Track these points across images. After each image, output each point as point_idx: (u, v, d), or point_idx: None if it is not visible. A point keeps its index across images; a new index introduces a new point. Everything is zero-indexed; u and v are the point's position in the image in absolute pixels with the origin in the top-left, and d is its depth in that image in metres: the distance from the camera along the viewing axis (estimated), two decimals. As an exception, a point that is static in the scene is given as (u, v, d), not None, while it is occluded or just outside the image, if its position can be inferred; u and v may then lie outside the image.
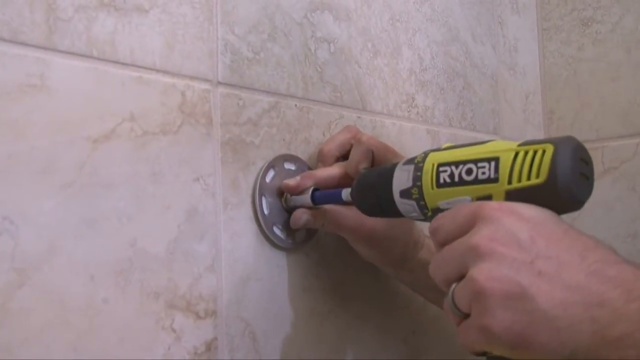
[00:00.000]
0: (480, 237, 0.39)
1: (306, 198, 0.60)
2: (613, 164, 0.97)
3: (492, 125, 0.93)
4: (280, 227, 0.61)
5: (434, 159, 0.47)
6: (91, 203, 0.48)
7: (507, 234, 0.39)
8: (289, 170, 0.63)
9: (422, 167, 0.48)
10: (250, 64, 0.60)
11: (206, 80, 0.57)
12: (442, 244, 0.43)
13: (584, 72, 1.01)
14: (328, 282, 0.66)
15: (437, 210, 0.47)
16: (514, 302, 0.37)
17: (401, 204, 0.50)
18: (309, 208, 0.61)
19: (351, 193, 0.56)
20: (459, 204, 0.44)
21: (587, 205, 0.96)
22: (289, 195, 0.62)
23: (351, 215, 0.61)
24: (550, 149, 0.41)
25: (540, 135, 1.04)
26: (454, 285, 0.41)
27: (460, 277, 0.40)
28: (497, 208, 0.40)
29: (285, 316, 0.61)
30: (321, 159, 0.64)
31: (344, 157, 0.64)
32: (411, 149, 0.77)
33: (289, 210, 0.62)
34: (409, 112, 0.78)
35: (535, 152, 0.41)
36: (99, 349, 0.47)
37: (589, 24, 1.00)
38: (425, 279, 0.53)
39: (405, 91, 0.78)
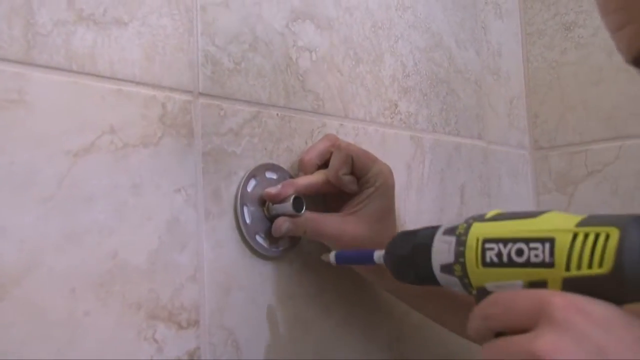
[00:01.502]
0: (544, 343, 0.36)
1: (287, 206, 0.61)
2: (596, 167, 0.97)
3: (477, 130, 0.94)
4: (262, 235, 0.62)
5: (478, 232, 0.43)
6: (71, 216, 0.48)
7: (574, 342, 0.36)
8: (271, 179, 0.64)
9: (465, 241, 0.44)
10: (231, 74, 0.61)
11: (187, 92, 0.57)
12: (494, 333, 0.40)
13: (567, 76, 1.02)
14: (311, 289, 0.66)
15: (483, 290, 0.43)
16: None
17: (442, 278, 0.46)
18: (291, 216, 0.61)
19: (386, 263, 0.53)
20: (511, 290, 0.41)
21: (572, 207, 0.97)
22: (271, 204, 0.62)
23: (332, 222, 0.61)
24: (615, 234, 0.37)
25: (525, 139, 1.05)
26: None
27: None
28: (564, 307, 0.37)
29: (268, 324, 0.62)
30: (302, 167, 0.64)
31: (325, 165, 0.64)
32: (395, 156, 0.78)
33: (271, 219, 0.62)
34: (392, 118, 0.79)
35: (597, 236, 0.37)
36: (80, 362, 0.47)
37: (572, 28, 1.01)
38: (408, 287, 0.54)
39: (388, 98, 0.79)
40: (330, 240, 0.62)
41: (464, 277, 0.44)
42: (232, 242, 0.60)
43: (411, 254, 0.49)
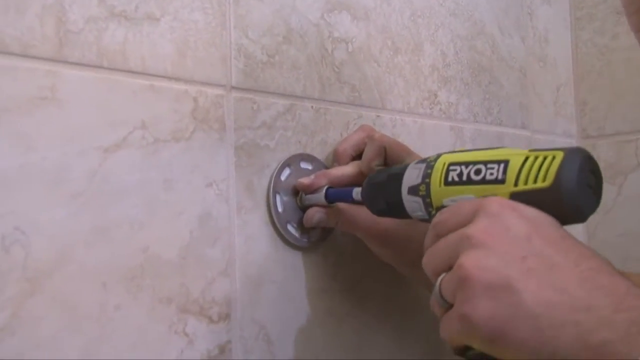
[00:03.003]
0: (476, 228, 0.40)
1: (320, 197, 0.60)
2: (647, 157, 0.94)
3: (520, 119, 0.92)
4: (294, 225, 0.62)
5: (446, 158, 0.48)
6: (102, 211, 0.49)
7: (504, 228, 0.39)
8: (305, 169, 0.63)
9: (434, 165, 0.48)
10: (264, 67, 0.61)
11: (219, 86, 0.57)
12: (441, 237, 0.43)
13: (618, 62, 0.98)
14: (345, 283, 0.66)
15: (442, 209, 0.46)
16: (498, 293, 0.37)
17: (408, 200, 0.50)
18: (323, 207, 0.61)
19: (361, 192, 0.56)
20: (462, 201, 0.44)
21: (621, 198, 0.95)
22: (303, 194, 0.62)
23: (365, 214, 0.61)
24: (560, 155, 0.41)
25: (572, 128, 1.02)
26: (442, 275, 0.41)
27: (450, 268, 0.40)
28: (499, 203, 0.40)
29: (301, 318, 0.62)
30: (336, 158, 0.64)
31: (360, 156, 0.64)
32: (434, 147, 0.76)
33: (304, 209, 0.62)
34: (431, 109, 0.78)
35: (545, 158, 0.41)
36: (110, 355, 0.48)
37: (624, 12, 0.97)
38: None
39: (427, 88, 0.77)
40: (362, 232, 0.62)
41: (426, 196, 0.48)
42: (264, 235, 0.60)
43: (385, 180, 0.52)
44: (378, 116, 0.71)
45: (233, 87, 0.58)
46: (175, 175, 0.53)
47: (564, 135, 1.00)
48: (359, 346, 0.67)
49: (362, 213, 0.61)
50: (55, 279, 0.46)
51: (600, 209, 0.42)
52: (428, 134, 0.77)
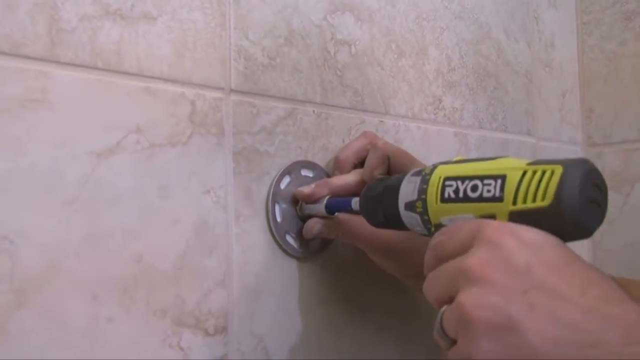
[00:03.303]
0: (474, 260, 0.37)
1: (321, 207, 0.58)
2: (655, 166, 0.92)
3: (526, 125, 0.90)
4: (293, 235, 0.60)
5: (441, 172, 0.45)
6: (95, 219, 0.46)
7: (503, 259, 0.37)
8: (306, 177, 0.61)
9: (429, 179, 0.45)
10: (265, 70, 0.58)
11: (218, 89, 0.55)
12: (439, 262, 0.41)
13: (625, 68, 0.96)
14: (345, 293, 0.64)
15: (440, 227, 0.44)
16: (500, 333, 0.35)
17: (406, 216, 0.48)
18: (323, 217, 0.59)
19: (359, 203, 0.54)
20: (460, 221, 0.42)
21: (627, 207, 0.93)
22: (303, 204, 0.60)
23: (366, 225, 0.58)
24: (559, 170, 0.38)
25: (578, 135, 1.00)
26: (443, 308, 0.39)
27: (450, 300, 0.38)
28: (497, 229, 0.38)
29: (300, 330, 0.60)
30: (338, 166, 0.62)
31: (362, 164, 0.62)
32: (438, 153, 0.74)
33: (304, 219, 0.60)
34: (435, 114, 0.75)
35: (543, 173, 0.39)
36: (101, 370, 0.46)
37: (632, 17, 0.95)
38: None
39: (431, 93, 0.75)
40: (364, 244, 0.60)
41: (424, 213, 0.45)
42: (263, 245, 0.57)
43: (381, 193, 0.50)
44: (381, 121, 0.69)
45: (232, 90, 0.56)
46: (171, 181, 0.51)
47: (569, 142, 0.98)
48: (359, 357, 0.64)
49: (364, 224, 0.58)
50: (44, 290, 0.44)
51: (605, 219, 0.40)
52: (432, 140, 0.75)
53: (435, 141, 0.75)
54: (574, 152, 0.99)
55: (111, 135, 0.48)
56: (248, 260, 0.56)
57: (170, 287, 0.50)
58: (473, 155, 0.79)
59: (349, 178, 0.60)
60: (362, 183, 0.60)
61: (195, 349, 0.51)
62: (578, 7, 1.01)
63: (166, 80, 0.51)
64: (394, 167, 0.59)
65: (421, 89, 0.74)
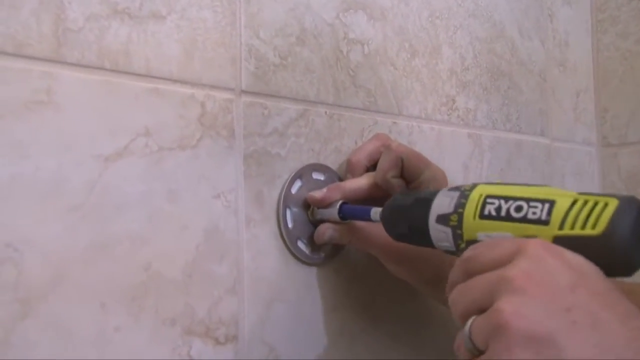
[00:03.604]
0: (517, 270, 0.36)
1: (333, 211, 0.57)
2: (671, 167, 0.90)
3: (540, 126, 0.88)
4: (305, 241, 0.58)
5: (483, 190, 0.44)
6: (102, 226, 0.45)
7: (547, 275, 0.35)
8: (317, 180, 0.60)
9: (469, 195, 0.44)
10: (276, 70, 0.57)
11: (228, 89, 0.53)
12: (469, 276, 0.39)
13: (641, 67, 0.94)
14: (359, 300, 0.62)
15: (473, 243, 0.43)
16: (538, 346, 0.33)
17: (434, 229, 0.46)
18: (336, 222, 0.57)
19: (381, 213, 0.52)
20: (498, 238, 0.41)
21: None
22: (315, 208, 0.58)
23: (380, 232, 0.57)
24: (614, 203, 0.37)
25: (592, 136, 0.98)
26: (473, 318, 0.37)
27: (481, 311, 0.37)
28: (543, 246, 0.37)
29: (313, 338, 0.58)
30: (350, 169, 0.60)
31: (374, 166, 0.60)
32: (451, 155, 0.72)
33: (316, 224, 0.58)
34: (449, 115, 0.74)
35: (596, 203, 0.38)
36: (109, 382, 0.44)
37: (648, 15, 0.93)
38: None
39: (445, 93, 0.73)
40: (378, 251, 0.58)
41: (457, 227, 0.44)
42: (274, 250, 0.56)
43: (411, 204, 0.49)
44: (394, 123, 0.67)
45: (243, 91, 0.54)
46: (180, 185, 0.49)
47: (583, 143, 0.96)
48: (373, 367, 0.63)
49: (377, 230, 0.57)
50: (50, 299, 0.42)
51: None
52: (445, 141, 0.73)
53: (448, 142, 0.73)
54: (589, 152, 0.97)
55: (119, 138, 0.46)
56: (259, 266, 0.54)
57: (179, 294, 0.49)
58: (487, 157, 0.78)
59: (362, 182, 0.58)
60: (374, 186, 0.58)
61: (205, 359, 0.50)
62: (593, 5, 0.99)
63: (175, 81, 0.50)
64: (407, 169, 0.58)
65: (434, 89, 0.72)
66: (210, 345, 0.50)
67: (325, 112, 0.61)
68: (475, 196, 0.43)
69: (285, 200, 0.57)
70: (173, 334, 0.48)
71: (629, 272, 0.38)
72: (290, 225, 0.57)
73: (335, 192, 0.57)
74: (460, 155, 0.74)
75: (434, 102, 0.72)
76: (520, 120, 0.84)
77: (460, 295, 0.39)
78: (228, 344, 0.51)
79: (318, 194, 0.57)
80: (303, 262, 0.58)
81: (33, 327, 0.41)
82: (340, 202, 0.56)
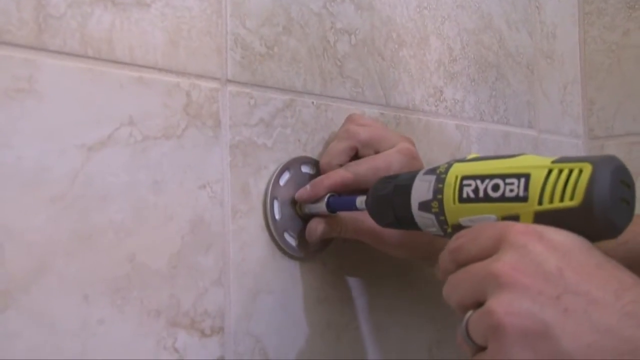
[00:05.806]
0: (502, 264, 0.36)
1: (322, 206, 0.56)
2: (658, 159, 0.90)
3: (527, 118, 0.88)
4: (292, 234, 0.57)
5: (457, 170, 0.43)
6: (85, 217, 0.44)
7: (532, 263, 0.35)
8: (306, 174, 0.59)
9: (445, 179, 0.43)
10: (262, 60, 0.56)
11: (214, 79, 0.52)
12: (459, 266, 0.39)
13: (628, 59, 0.94)
14: (346, 292, 0.62)
15: (458, 227, 0.42)
16: (534, 341, 0.33)
17: (419, 216, 0.46)
18: (324, 216, 0.56)
19: (366, 202, 0.52)
20: (482, 223, 0.40)
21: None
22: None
23: (369, 220, 0.56)
24: (588, 168, 0.36)
25: (579, 128, 0.98)
26: (469, 313, 0.37)
27: (476, 304, 0.37)
28: (524, 232, 0.37)
29: (300, 330, 0.58)
30: (322, 173, 0.58)
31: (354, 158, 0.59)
32: (439, 146, 0.72)
33: (304, 217, 0.58)
34: (436, 106, 0.73)
35: (570, 172, 0.37)
36: (92, 375, 0.44)
37: (636, 7, 0.93)
38: None
39: (432, 84, 0.73)
40: (369, 238, 0.58)
41: (440, 214, 0.44)
42: (260, 242, 0.55)
43: (391, 193, 0.48)
44: (382, 114, 0.67)
45: (229, 81, 0.53)
46: (165, 176, 0.49)
47: (571, 135, 0.96)
48: (360, 358, 0.62)
49: (366, 218, 0.56)
50: (32, 291, 0.41)
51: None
52: (433, 132, 0.73)
53: (436, 133, 0.73)
54: (575, 144, 0.97)
55: (102, 127, 0.45)
56: (245, 258, 0.54)
57: (164, 286, 0.48)
58: (475, 149, 0.77)
59: (347, 173, 0.58)
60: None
61: (190, 351, 0.49)
62: (580, -3, 0.99)
63: (160, 69, 0.49)
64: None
65: (422, 80, 0.72)
66: (195, 337, 0.50)
67: (312, 103, 0.60)
68: (451, 180, 0.43)
69: (273, 192, 0.56)
70: (158, 326, 0.48)
71: (614, 235, 0.37)
72: (277, 217, 0.56)
73: (320, 189, 0.56)
74: (448, 147, 0.74)
75: (422, 93, 0.72)
76: (507, 112, 0.84)
77: (453, 287, 0.39)
78: (214, 336, 0.51)
79: (305, 193, 0.56)
80: (290, 255, 0.57)
81: (14, 319, 0.40)
82: (327, 195, 0.56)
